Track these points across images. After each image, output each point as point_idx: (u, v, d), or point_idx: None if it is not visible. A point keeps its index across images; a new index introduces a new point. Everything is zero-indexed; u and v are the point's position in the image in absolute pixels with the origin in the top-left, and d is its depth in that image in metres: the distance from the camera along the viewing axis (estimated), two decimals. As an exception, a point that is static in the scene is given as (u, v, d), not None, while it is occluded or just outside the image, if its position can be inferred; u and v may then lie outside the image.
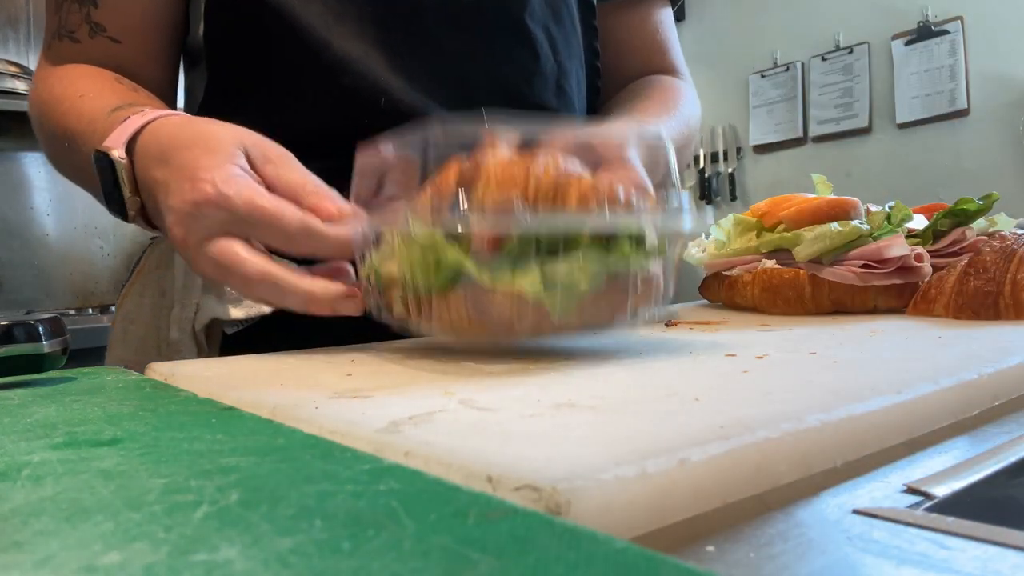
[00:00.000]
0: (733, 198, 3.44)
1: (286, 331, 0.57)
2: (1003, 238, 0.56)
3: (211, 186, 0.47)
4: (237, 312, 0.61)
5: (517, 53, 0.68)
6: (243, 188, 0.47)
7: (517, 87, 0.69)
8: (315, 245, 0.48)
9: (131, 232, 2.11)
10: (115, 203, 0.53)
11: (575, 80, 0.75)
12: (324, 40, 0.62)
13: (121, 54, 0.67)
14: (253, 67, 0.65)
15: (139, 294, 0.66)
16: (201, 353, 0.62)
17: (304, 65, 0.63)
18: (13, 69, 1.82)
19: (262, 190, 0.48)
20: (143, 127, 0.53)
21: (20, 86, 1.80)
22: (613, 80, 0.85)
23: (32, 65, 1.94)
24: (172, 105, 0.70)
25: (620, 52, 0.85)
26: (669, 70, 0.87)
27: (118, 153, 0.52)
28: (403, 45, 0.64)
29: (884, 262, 0.60)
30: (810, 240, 0.62)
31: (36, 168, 2.00)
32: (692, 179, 3.63)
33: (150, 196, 0.52)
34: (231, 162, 0.49)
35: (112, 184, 0.53)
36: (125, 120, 0.54)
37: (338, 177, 0.61)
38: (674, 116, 0.74)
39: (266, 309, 0.61)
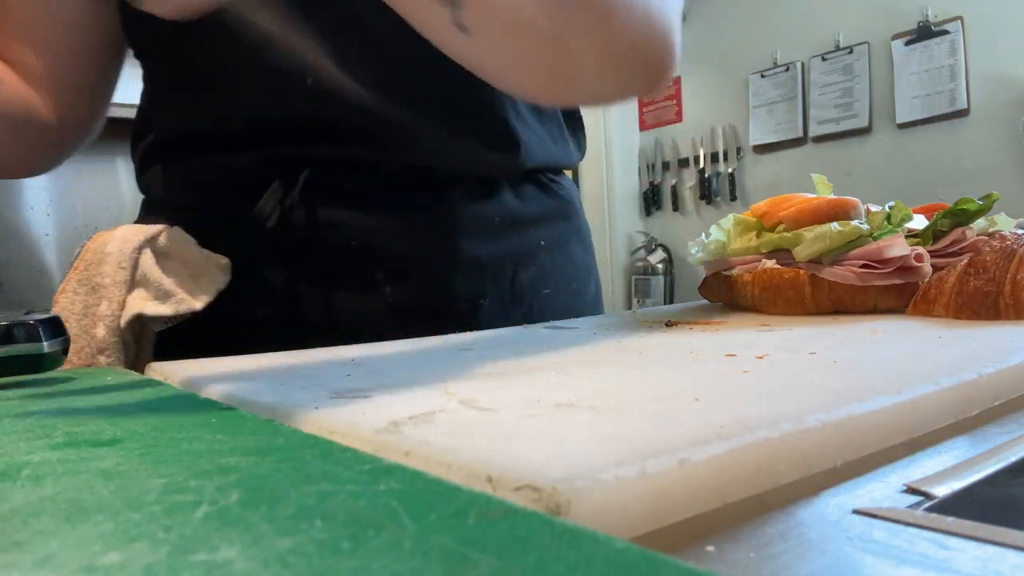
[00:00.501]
0: (733, 198, 3.44)
1: (221, 329, 0.56)
2: (1003, 238, 0.56)
3: None
4: (164, 308, 0.59)
5: None
6: None
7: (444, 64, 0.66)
8: None
9: (131, 232, 2.11)
10: None
11: None
12: (245, 18, 0.58)
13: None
14: (178, 53, 0.62)
15: (73, 291, 0.63)
16: (128, 352, 0.59)
17: (229, 45, 0.59)
18: (13, 69, 1.82)
19: None
20: None
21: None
22: None
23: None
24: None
25: None
26: None
27: None
28: (327, 25, 0.61)
29: (884, 262, 0.60)
30: (810, 240, 0.62)
31: (36, 168, 2.00)
32: (692, 179, 3.63)
33: None
34: None
35: None
36: None
37: (273, 167, 0.61)
38: None
39: (197, 305, 0.60)
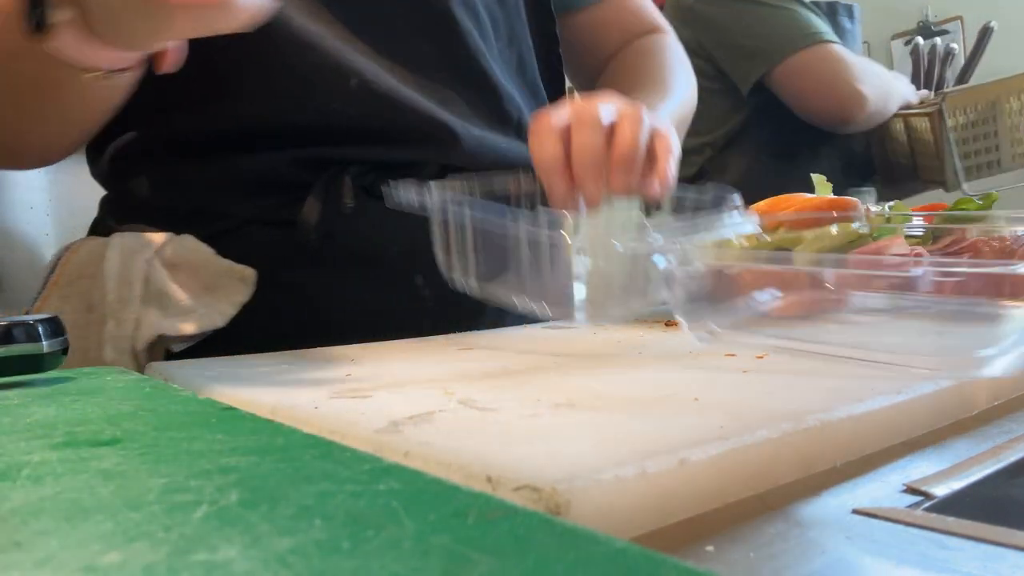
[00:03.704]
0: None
1: (235, 346, 0.52)
2: (1003, 238, 0.56)
3: None
4: (187, 327, 0.54)
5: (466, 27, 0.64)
6: None
7: (481, 70, 0.65)
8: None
9: (131, 232, 2.11)
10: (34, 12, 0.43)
11: (532, 64, 0.73)
12: (285, 16, 0.55)
13: None
14: (204, 51, 0.55)
15: (56, 309, 0.56)
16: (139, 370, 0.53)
17: (266, 43, 0.55)
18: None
19: None
20: None
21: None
22: (595, 59, 0.83)
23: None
24: None
25: (595, 27, 0.82)
26: (648, 29, 0.85)
27: None
28: (360, 25, 0.59)
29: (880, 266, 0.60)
30: (810, 240, 0.62)
31: (36, 168, 2.00)
32: (692, 179, 3.63)
33: None
34: None
35: None
36: None
37: (307, 168, 0.59)
38: (669, 98, 0.72)
39: (220, 322, 0.55)
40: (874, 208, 0.66)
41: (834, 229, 0.61)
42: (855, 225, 0.62)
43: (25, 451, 0.27)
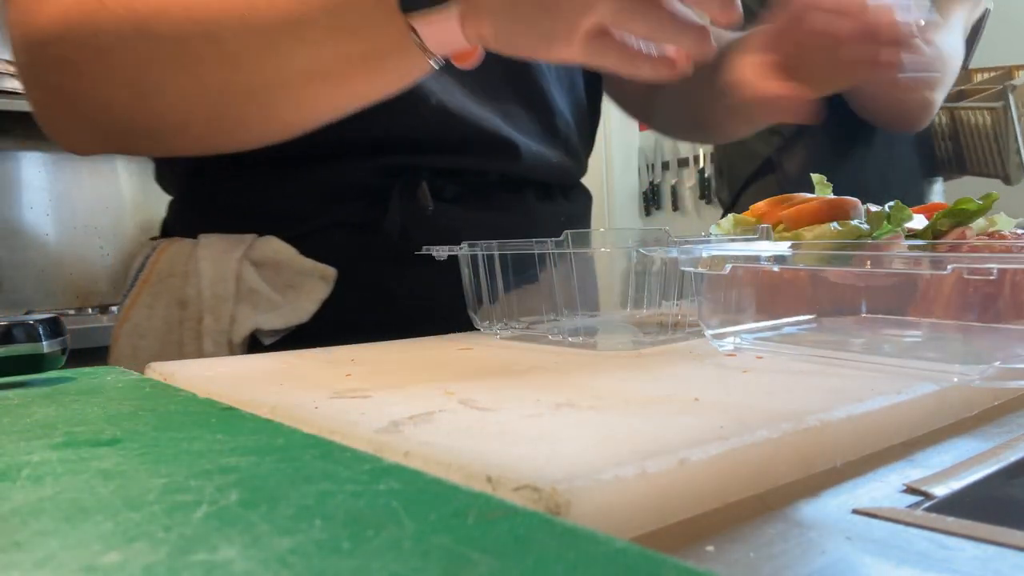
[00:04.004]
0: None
1: (317, 339, 0.55)
2: (1003, 238, 0.56)
3: None
4: (277, 321, 0.59)
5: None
6: None
7: (537, 83, 0.71)
8: (683, 28, 0.45)
9: (131, 232, 2.10)
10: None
11: (580, 84, 0.78)
12: None
13: None
14: None
15: (148, 306, 0.61)
16: None
17: None
18: (13, 69, 1.82)
19: None
20: None
21: (20, 86, 1.80)
22: None
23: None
24: None
25: None
26: None
27: None
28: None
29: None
30: (810, 240, 0.62)
31: (36, 168, 2.00)
32: (692, 179, 3.64)
33: None
34: None
35: None
36: None
37: (386, 176, 0.64)
38: None
39: (304, 317, 0.60)
40: (874, 208, 0.66)
41: (834, 228, 0.61)
42: (854, 223, 0.62)
43: (25, 451, 0.27)
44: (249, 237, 0.61)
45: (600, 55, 0.46)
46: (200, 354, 0.58)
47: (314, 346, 0.53)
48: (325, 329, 0.59)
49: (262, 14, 0.48)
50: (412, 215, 0.64)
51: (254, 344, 0.60)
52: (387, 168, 0.63)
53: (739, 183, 1.38)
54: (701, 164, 3.55)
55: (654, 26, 0.45)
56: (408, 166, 0.64)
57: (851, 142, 1.34)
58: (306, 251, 0.61)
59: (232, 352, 0.58)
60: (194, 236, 0.62)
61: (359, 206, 0.63)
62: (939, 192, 1.48)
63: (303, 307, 0.60)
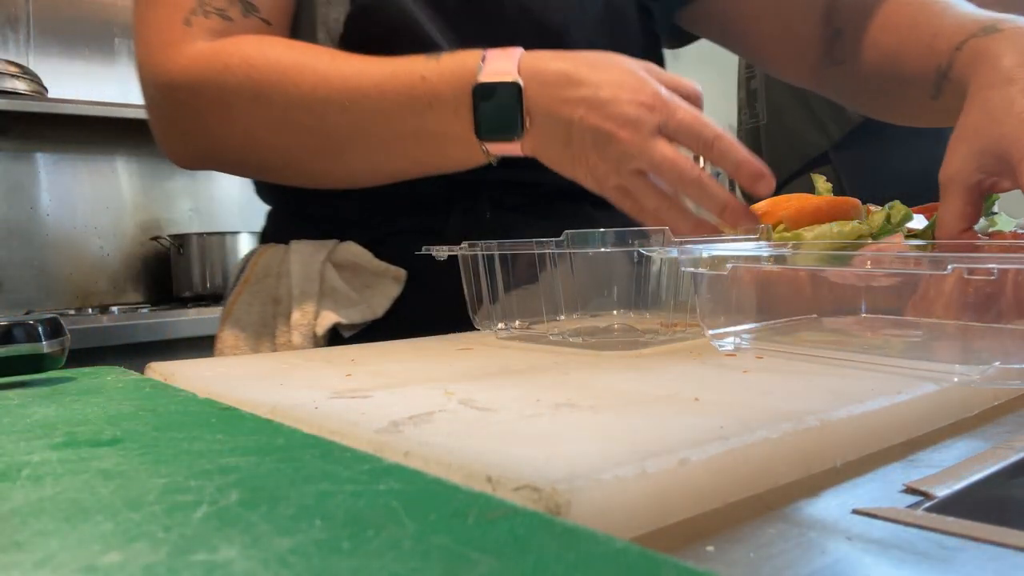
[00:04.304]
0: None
1: (389, 332, 0.61)
2: (1003, 238, 0.56)
3: (654, 95, 0.53)
4: (355, 316, 0.67)
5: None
6: (680, 101, 0.54)
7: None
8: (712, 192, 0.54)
9: (131, 232, 2.10)
10: (499, 130, 0.56)
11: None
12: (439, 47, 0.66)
13: (269, 35, 0.66)
14: None
15: (247, 302, 0.70)
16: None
17: None
18: (13, 69, 1.81)
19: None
20: (519, 59, 0.56)
21: (20, 86, 1.80)
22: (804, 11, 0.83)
23: (32, 65, 1.94)
24: None
25: None
26: None
27: (515, 79, 0.55)
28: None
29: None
30: (810, 240, 0.62)
31: (36, 168, 2.00)
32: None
33: (552, 118, 0.55)
34: (647, 74, 0.55)
35: (503, 111, 0.56)
36: (485, 58, 0.56)
37: (449, 188, 0.68)
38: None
39: (379, 313, 0.67)
40: (874, 208, 0.66)
41: (834, 228, 0.61)
42: (855, 223, 0.62)
43: (25, 451, 0.27)
44: (332, 242, 0.69)
45: (633, 195, 0.55)
46: (290, 345, 0.66)
47: (388, 339, 0.59)
48: (396, 324, 0.66)
49: (359, 105, 0.59)
50: (473, 223, 0.69)
51: (335, 337, 0.67)
52: (451, 182, 0.67)
53: (782, 178, 1.37)
54: (701, 163, 3.54)
55: (685, 183, 0.53)
56: (469, 179, 0.67)
57: (915, 139, 1.31)
58: (380, 255, 0.69)
59: (316, 343, 0.65)
60: (286, 242, 0.71)
61: (425, 215, 0.70)
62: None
63: (378, 304, 0.68)
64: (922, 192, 0.71)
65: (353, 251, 0.69)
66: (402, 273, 0.69)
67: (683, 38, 0.95)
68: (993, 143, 0.53)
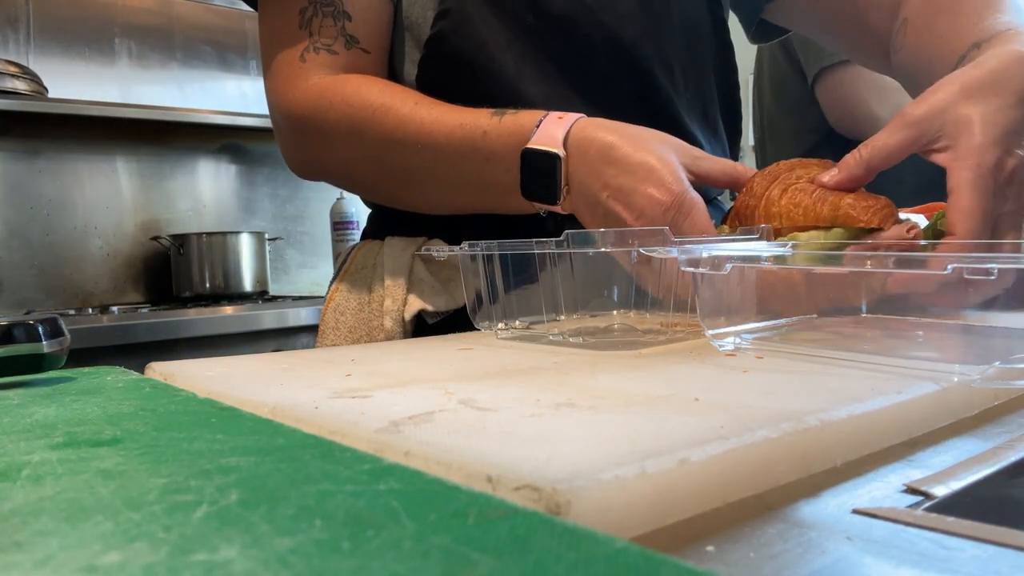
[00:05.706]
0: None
1: (468, 323, 0.66)
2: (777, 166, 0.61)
3: (674, 194, 0.56)
4: (439, 304, 0.74)
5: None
6: (699, 203, 0.57)
7: (669, 111, 0.79)
8: None
9: (131, 232, 2.10)
10: (540, 193, 0.62)
11: (714, 110, 0.86)
12: (527, 88, 0.72)
13: (367, 66, 0.74)
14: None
15: (347, 290, 0.79)
16: (406, 337, 0.74)
17: (515, 106, 0.69)
18: (13, 69, 1.81)
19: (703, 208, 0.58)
20: (569, 128, 0.61)
21: (20, 86, 1.80)
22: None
23: (32, 65, 1.94)
24: None
25: None
26: None
27: (558, 150, 0.60)
28: (581, 86, 0.74)
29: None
30: (805, 239, 0.62)
31: (36, 168, 2.00)
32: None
33: (585, 189, 0.59)
34: (680, 170, 0.58)
35: (543, 176, 0.61)
36: (540, 123, 0.61)
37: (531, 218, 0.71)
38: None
39: (461, 302, 0.73)
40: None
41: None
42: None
43: (25, 451, 0.27)
44: (420, 239, 0.77)
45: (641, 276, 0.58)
46: (382, 329, 0.74)
47: (467, 328, 0.66)
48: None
49: (431, 150, 0.66)
50: (538, 225, 0.73)
51: (420, 323, 0.75)
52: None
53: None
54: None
55: (661, 291, 0.55)
56: None
57: None
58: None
59: (404, 328, 0.74)
60: (382, 238, 0.79)
61: (497, 218, 0.74)
62: None
63: (460, 294, 0.73)
64: (923, 190, 0.71)
65: (438, 246, 0.74)
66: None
67: (771, 33, 1.00)
68: (950, 120, 0.57)
